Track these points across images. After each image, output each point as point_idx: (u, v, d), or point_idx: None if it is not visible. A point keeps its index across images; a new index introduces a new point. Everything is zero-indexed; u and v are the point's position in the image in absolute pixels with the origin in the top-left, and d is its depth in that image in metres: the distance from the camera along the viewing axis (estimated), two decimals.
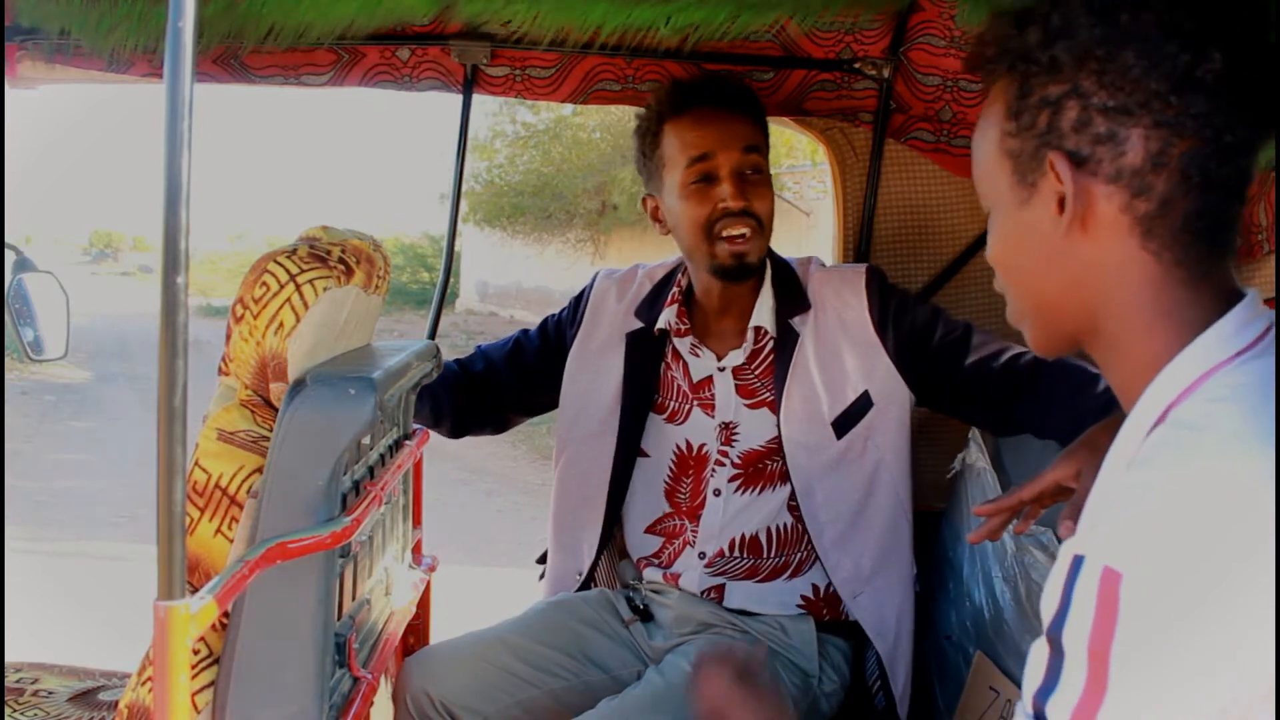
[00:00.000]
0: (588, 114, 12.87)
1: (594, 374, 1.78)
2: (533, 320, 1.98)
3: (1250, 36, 0.80)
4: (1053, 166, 0.83)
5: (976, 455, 1.71)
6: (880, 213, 1.99)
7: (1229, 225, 0.84)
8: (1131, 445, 0.81)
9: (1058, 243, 0.85)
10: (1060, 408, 1.50)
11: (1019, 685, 1.46)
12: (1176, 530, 0.71)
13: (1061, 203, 0.83)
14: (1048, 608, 0.76)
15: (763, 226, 1.65)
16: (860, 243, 1.99)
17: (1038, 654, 0.76)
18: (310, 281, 1.11)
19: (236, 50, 1.80)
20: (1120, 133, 0.81)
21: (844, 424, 1.66)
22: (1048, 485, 1.22)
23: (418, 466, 1.60)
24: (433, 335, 1.91)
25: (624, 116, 12.39)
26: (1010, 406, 1.59)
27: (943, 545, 1.80)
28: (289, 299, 1.10)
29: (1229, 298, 0.83)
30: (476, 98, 1.94)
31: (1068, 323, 0.89)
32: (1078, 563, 0.73)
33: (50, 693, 1.61)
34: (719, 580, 1.69)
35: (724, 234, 1.62)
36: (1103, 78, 0.81)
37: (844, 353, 1.67)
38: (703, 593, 1.69)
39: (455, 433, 1.87)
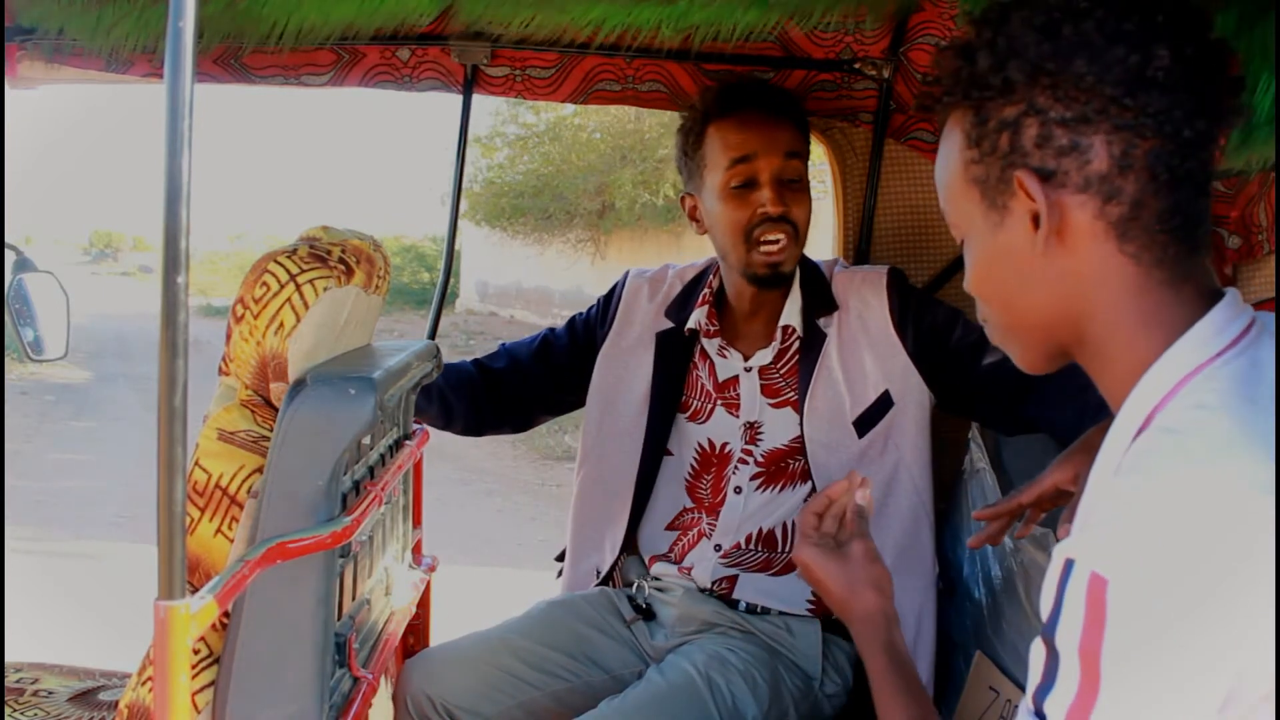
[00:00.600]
0: (587, 115, 12.86)
1: (623, 372, 1.80)
2: (533, 321, 1.99)
3: (1192, 29, 0.82)
4: (1021, 185, 0.83)
5: (976, 456, 1.71)
6: (880, 213, 1.99)
7: (1200, 221, 0.84)
8: (1118, 451, 0.81)
9: (1037, 260, 0.85)
10: (1067, 405, 1.50)
11: (1019, 685, 1.47)
12: (1162, 537, 0.71)
13: (1035, 219, 0.84)
14: (1043, 608, 0.76)
15: (799, 234, 1.67)
16: (860, 242, 1.99)
17: (1036, 653, 0.77)
18: (310, 281, 1.11)
19: (236, 50, 1.80)
20: (1083, 142, 0.81)
21: (865, 423, 1.67)
22: (1047, 489, 1.22)
23: (418, 466, 1.60)
24: (433, 335, 1.91)
25: (624, 118, 12.40)
26: (1021, 405, 1.60)
27: (943, 545, 1.80)
28: (289, 299, 1.10)
29: (1210, 298, 0.83)
30: (478, 98, 1.94)
31: (1054, 338, 0.89)
32: (1069, 566, 0.74)
33: (50, 693, 1.61)
34: (732, 572, 1.70)
35: (761, 240, 1.64)
36: (1057, 91, 0.81)
37: (865, 353, 1.69)
38: (714, 583, 1.70)
39: (471, 431, 1.88)
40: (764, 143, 1.65)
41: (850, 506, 1.23)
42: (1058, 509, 1.24)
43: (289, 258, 1.12)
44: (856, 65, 1.92)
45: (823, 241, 2.11)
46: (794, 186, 1.67)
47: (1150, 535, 0.72)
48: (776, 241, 1.64)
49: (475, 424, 1.87)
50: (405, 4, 1.71)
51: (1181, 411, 0.77)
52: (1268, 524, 0.70)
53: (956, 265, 1.99)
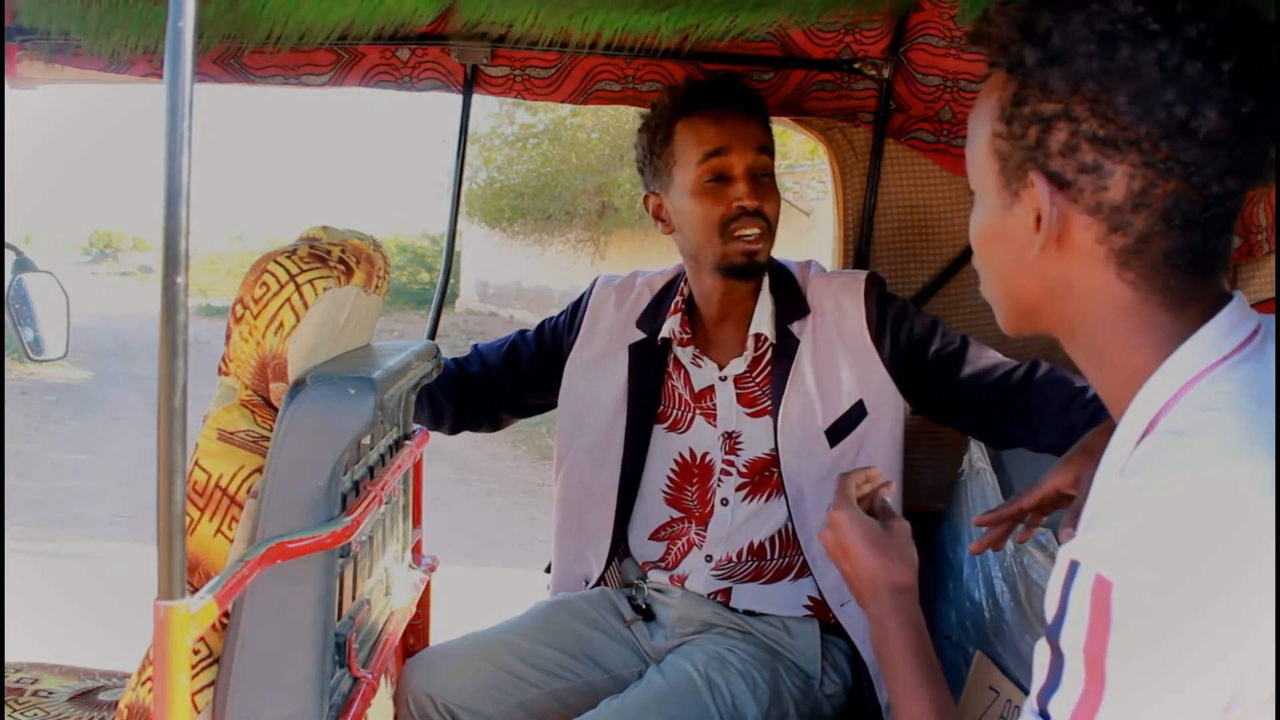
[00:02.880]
0: (587, 115, 12.86)
1: (593, 383, 1.77)
2: (533, 321, 1.98)
3: (1254, 88, 0.77)
4: (1033, 185, 0.82)
5: (977, 456, 1.71)
6: (880, 213, 1.99)
7: (1217, 256, 0.82)
8: (1122, 454, 0.81)
9: (1033, 254, 0.84)
10: (1051, 422, 1.50)
11: (1019, 685, 1.47)
12: (1167, 540, 0.71)
13: (1039, 219, 0.83)
14: (1048, 610, 0.76)
15: (771, 228, 1.65)
16: (860, 243, 1.99)
17: (1041, 654, 0.77)
18: (310, 281, 1.11)
19: (236, 50, 1.80)
20: (1105, 165, 0.79)
21: (837, 433, 1.65)
22: (1048, 493, 1.22)
23: (418, 466, 1.60)
24: (433, 335, 1.91)
25: (622, 117, 12.38)
26: (1003, 421, 1.59)
27: (942, 546, 1.80)
28: (289, 299, 1.10)
29: (1215, 305, 0.82)
30: (477, 98, 1.94)
31: (1038, 318, 0.89)
32: (1074, 568, 0.74)
33: (50, 693, 1.61)
34: (725, 584, 1.70)
35: (737, 233, 1.62)
36: (1095, 108, 0.78)
37: (840, 360, 1.66)
38: (709, 595, 1.70)
39: (452, 431, 1.88)
40: (737, 137, 1.63)
41: (878, 496, 1.21)
42: (1059, 512, 1.24)
43: (289, 258, 1.12)
44: (856, 65, 1.92)
45: (823, 242, 2.11)
46: (765, 181, 1.65)
47: (1155, 538, 0.71)
48: (753, 235, 1.62)
49: (458, 423, 1.86)
50: (404, 4, 1.71)
51: (1188, 414, 0.77)
52: (1267, 523, 0.70)
53: (956, 266, 1.99)
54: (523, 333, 1.88)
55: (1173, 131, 0.76)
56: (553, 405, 1.84)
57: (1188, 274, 0.81)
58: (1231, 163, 0.77)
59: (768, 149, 1.67)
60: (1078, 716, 0.73)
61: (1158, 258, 0.80)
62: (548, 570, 1.89)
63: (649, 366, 1.74)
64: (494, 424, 1.91)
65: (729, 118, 1.64)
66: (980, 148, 0.88)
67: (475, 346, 1.90)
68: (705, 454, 1.71)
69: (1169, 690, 0.70)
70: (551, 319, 1.87)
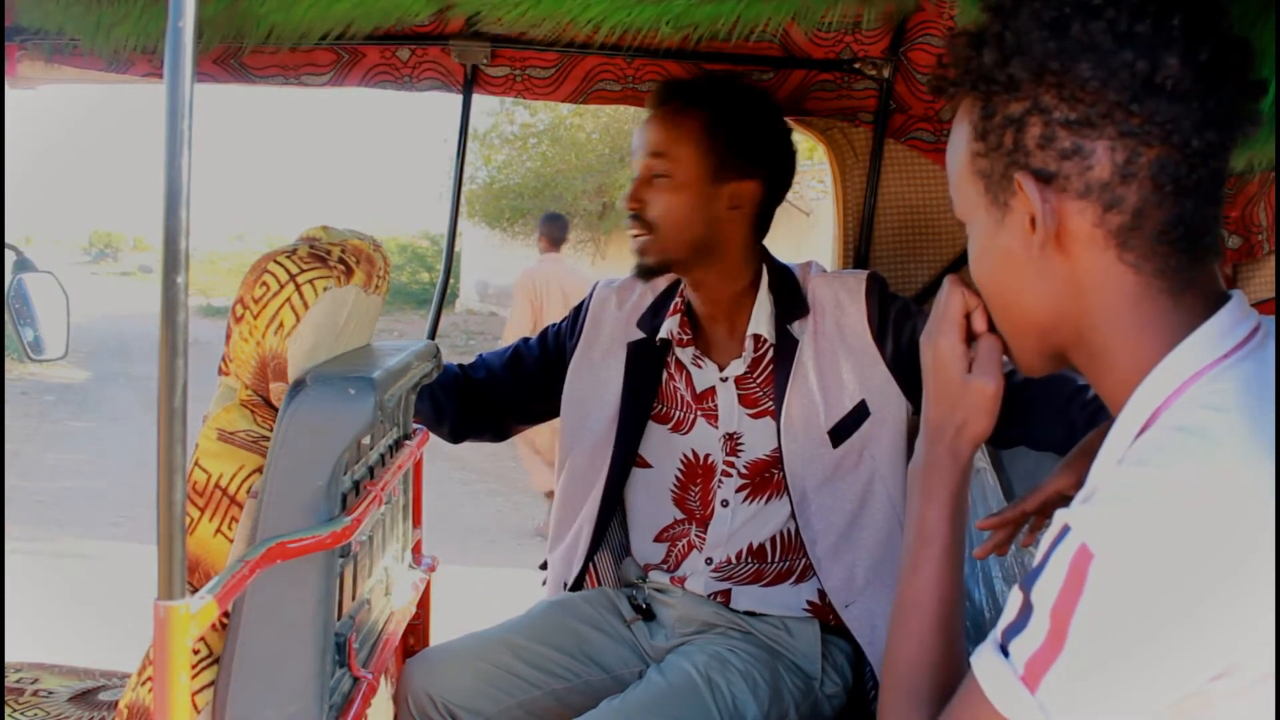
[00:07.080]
0: (587, 115, 12.87)
1: (594, 384, 1.77)
2: None
3: (1210, 31, 0.79)
4: (1021, 187, 0.83)
5: (977, 456, 1.71)
6: (880, 213, 1.99)
7: (1208, 229, 0.83)
8: (1120, 446, 0.81)
9: (1035, 262, 0.85)
10: (1052, 420, 1.50)
11: None
12: (1161, 530, 0.72)
13: (1034, 222, 0.83)
14: (1035, 560, 0.78)
15: (652, 229, 1.66)
16: (860, 243, 1.99)
17: (1014, 597, 0.79)
18: (310, 281, 1.11)
19: (236, 50, 1.80)
20: (1085, 146, 0.80)
21: (840, 433, 1.65)
22: (1050, 495, 1.22)
23: (418, 466, 1.60)
24: (433, 335, 1.91)
25: (622, 117, 12.40)
26: (1004, 419, 1.58)
27: None
28: (289, 299, 1.10)
29: (1215, 301, 0.83)
30: (477, 97, 1.94)
31: (1051, 339, 0.89)
32: (1064, 531, 0.76)
33: (50, 693, 1.61)
34: (725, 585, 1.70)
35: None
36: (1062, 91, 0.80)
37: (841, 360, 1.66)
38: (709, 596, 1.70)
39: (455, 437, 1.86)
40: (641, 142, 1.69)
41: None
42: None
43: (289, 258, 1.12)
44: (856, 65, 1.92)
45: (823, 242, 2.11)
46: (656, 183, 1.66)
47: (1150, 526, 0.72)
48: (631, 233, 1.68)
49: (459, 430, 1.84)
50: (403, 2, 1.71)
51: (1192, 412, 0.77)
52: (1269, 528, 0.70)
53: (956, 266, 1.99)
54: (525, 339, 1.89)
55: (1140, 92, 0.78)
56: (557, 411, 1.83)
57: (1183, 252, 0.82)
58: (1204, 115, 0.79)
59: (663, 153, 1.65)
60: (1034, 663, 0.75)
61: (1154, 233, 0.81)
62: (543, 567, 1.89)
63: (645, 364, 1.74)
64: (500, 433, 1.90)
65: (649, 120, 1.70)
66: (961, 178, 0.90)
67: (480, 356, 1.90)
68: (707, 455, 1.72)
69: (1125, 668, 0.72)
70: (554, 324, 1.88)
